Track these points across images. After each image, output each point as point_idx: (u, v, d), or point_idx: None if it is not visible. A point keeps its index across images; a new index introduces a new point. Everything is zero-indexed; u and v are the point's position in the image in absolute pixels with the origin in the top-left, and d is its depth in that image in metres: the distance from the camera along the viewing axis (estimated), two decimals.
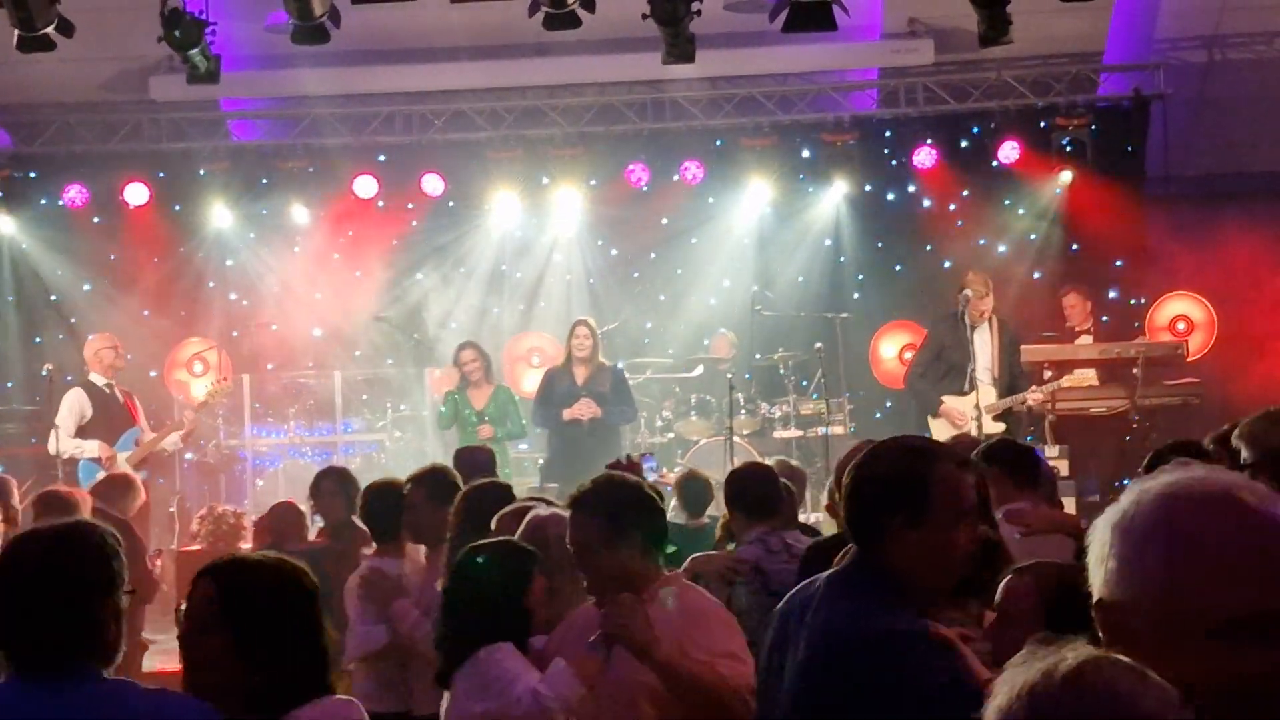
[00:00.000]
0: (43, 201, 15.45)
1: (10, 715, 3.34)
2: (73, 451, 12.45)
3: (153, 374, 14.95)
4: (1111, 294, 14.87)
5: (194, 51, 10.77)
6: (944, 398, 12.59)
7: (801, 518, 8.37)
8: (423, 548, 6.78)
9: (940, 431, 12.00)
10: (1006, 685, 1.82)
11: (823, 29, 10.30)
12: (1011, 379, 12.55)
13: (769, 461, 8.37)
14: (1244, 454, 4.72)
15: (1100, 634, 2.03)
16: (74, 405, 12.71)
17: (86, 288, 15.48)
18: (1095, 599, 2.06)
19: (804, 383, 14.14)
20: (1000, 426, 12.12)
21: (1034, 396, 12.37)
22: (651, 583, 4.53)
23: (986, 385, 12.37)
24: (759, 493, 6.75)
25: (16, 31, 10.39)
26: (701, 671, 4.32)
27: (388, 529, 6.85)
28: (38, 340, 15.48)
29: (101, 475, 10.95)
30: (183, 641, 3.56)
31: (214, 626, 3.44)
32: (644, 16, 10.51)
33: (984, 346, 12.54)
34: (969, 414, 12.12)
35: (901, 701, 3.31)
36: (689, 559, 6.67)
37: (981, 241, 15.28)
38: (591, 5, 10.33)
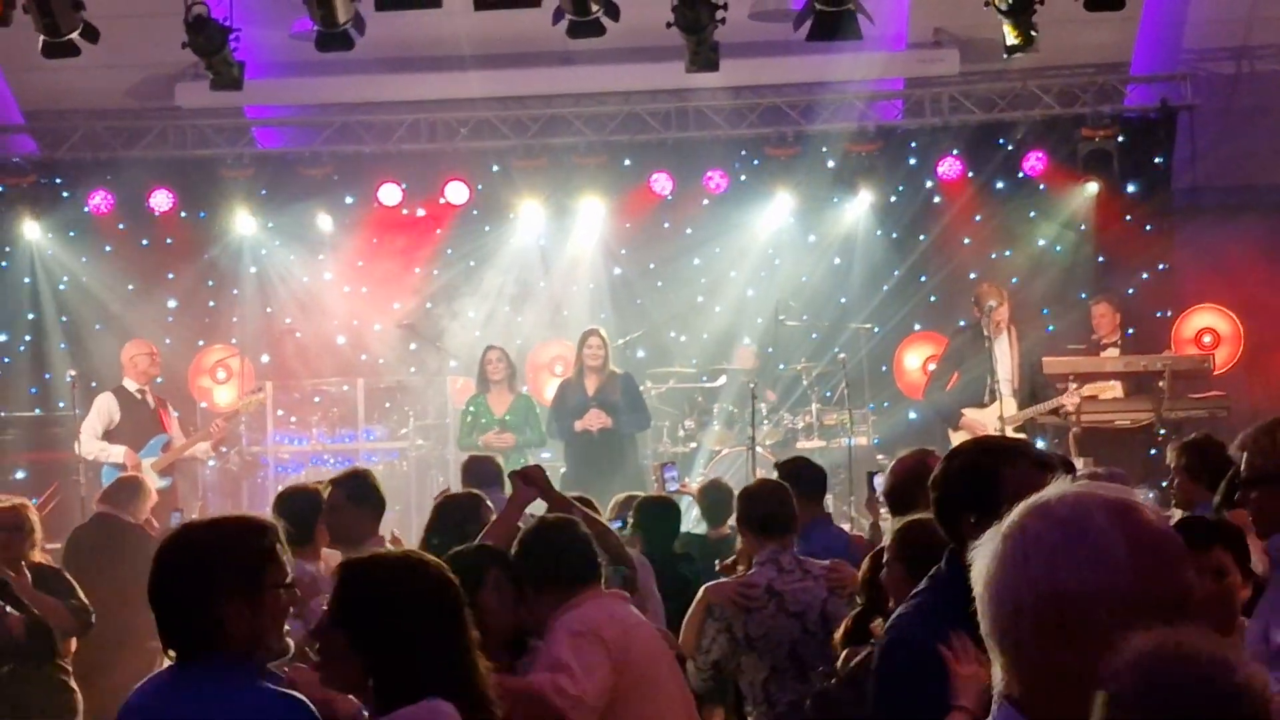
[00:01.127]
0: (69, 208, 15.48)
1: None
2: (97, 454, 12.52)
3: (176, 380, 14.95)
4: (1137, 306, 14.79)
5: (217, 57, 10.78)
6: (965, 410, 12.54)
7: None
8: (338, 553, 6.63)
9: None
10: None
11: (848, 38, 10.30)
12: (1032, 389, 12.49)
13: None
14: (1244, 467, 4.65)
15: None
16: (102, 409, 12.78)
17: (112, 294, 15.52)
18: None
19: (827, 393, 14.11)
20: (1021, 438, 12.08)
21: (1070, 400, 12.24)
22: None
23: (1007, 397, 12.31)
24: (769, 511, 6.66)
25: (42, 38, 10.43)
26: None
27: (303, 531, 6.67)
28: (63, 346, 15.52)
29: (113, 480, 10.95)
30: (313, 635, 3.78)
31: (334, 622, 3.61)
32: (668, 25, 10.49)
33: (1004, 357, 12.49)
34: (991, 426, 12.07)
35: None
36: (702, 589, 6.63)
37: (1007, 253, 15.24)
38: (616, 13, 10.33)
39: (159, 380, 13.47)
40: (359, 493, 6.72)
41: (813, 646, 6.28)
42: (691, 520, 11.85)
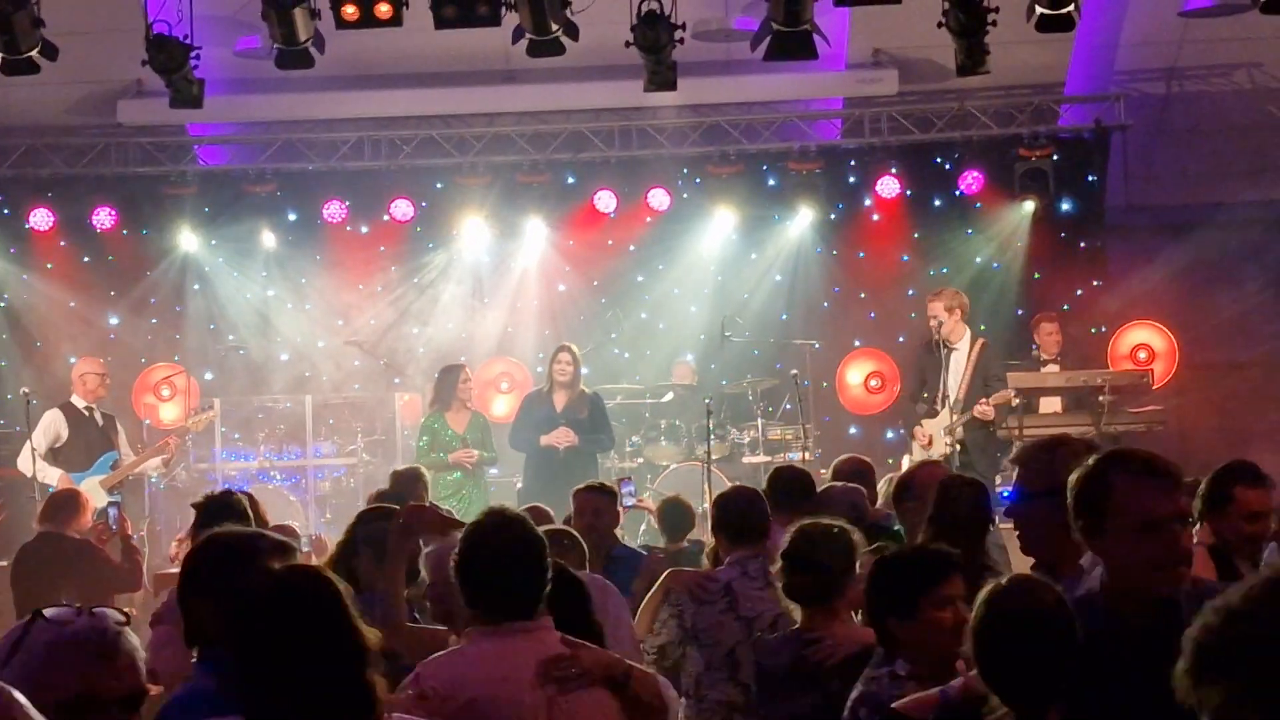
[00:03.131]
0: (9, 225, 15.38)
1: None
2: (35, 473, 12.45)
3: (120, 397, 14.88)
4: (1073, 323, 15.02)
5: (178, 75, 10.79)
6: (923, 421, 12.76)
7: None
8: None
9: (917, 455, 12.17)
10: None
11: (804, 58, 10.45)
12: (981, 396, 12.58)
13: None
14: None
15: None
16: (48, 426, 12.72)
17: (53, 311, 15.44)
18: None
19: (770, 408, 14.27)
20: (949, 448, 12.26)
21: (979, 409, 12.43)
22: None
23: (948, 407, 12.48)
24: (741, 517, 6.76)
25: (1, 55, 10.41)
26: None
27: None
28: (2, 363, 15.43)
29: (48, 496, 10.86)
30: None
31: None
32: (627, 44, 10.62)
33: (956, 368, 12.64)
34: (939, 436, 12.27)
35: None
36: (666, 573, 6.76)
37: (944, 270, 15.43)
38: (575, 33, 10.44)
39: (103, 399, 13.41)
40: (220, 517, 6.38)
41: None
42: (640, 535, 12.01)
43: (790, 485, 7.52)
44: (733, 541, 6.72)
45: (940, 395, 12.43)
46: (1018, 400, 12.40)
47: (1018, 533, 4.64)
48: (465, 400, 12.88)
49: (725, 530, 6.80)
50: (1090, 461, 3.75)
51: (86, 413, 12.87)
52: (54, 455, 12.62)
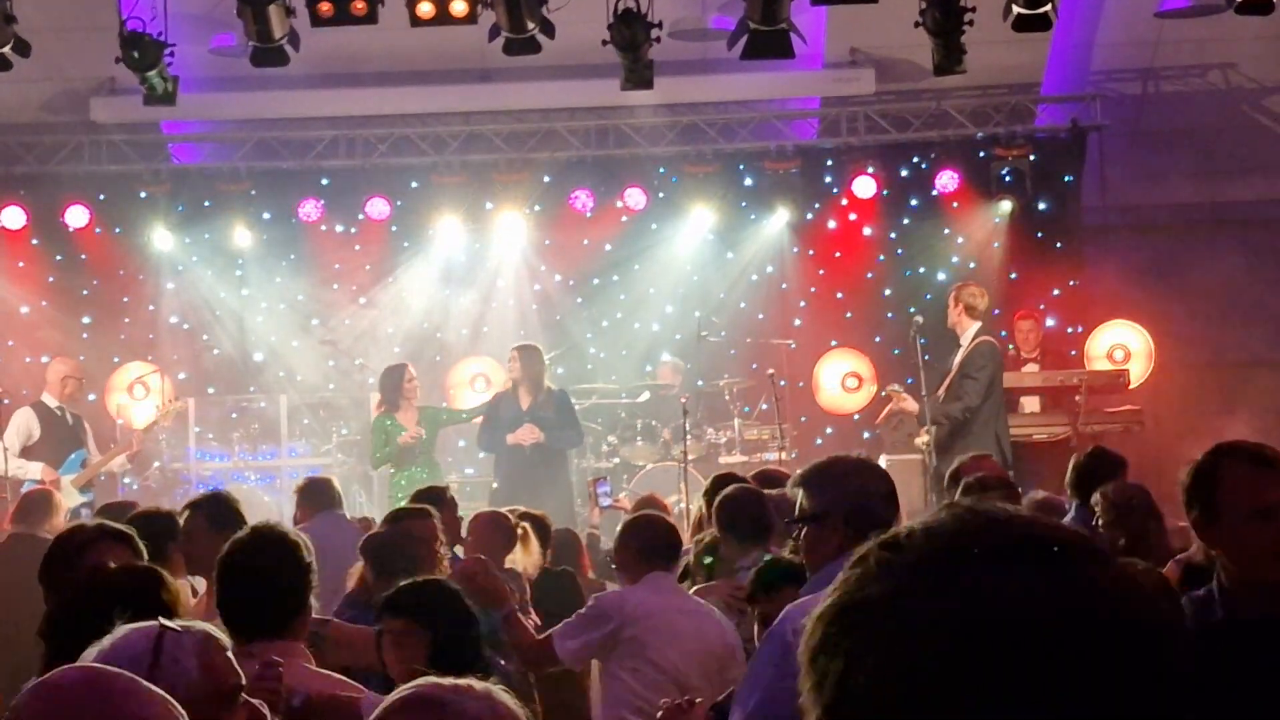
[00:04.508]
0: None
1: None
2: (15, 472, 12.34)
3: (92, 397, 14.78)
4: (1049, 322, 15.04)
5: (152, 73, 10.73)
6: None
7: None
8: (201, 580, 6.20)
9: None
10: None
11: (781, 56, 10.44)
12: (949, 397, 12.47)
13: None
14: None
15: None
16: (21, 425, 12.62)
17: (24, 310, 15.34)
18: None
19: (747, 409, 14.25)
20: (924, 440, 12.18)
21: (898, 400, 12.41)
22: None
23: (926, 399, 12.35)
24: (753, 516, 6.64)
25: None
26: None
27: (155, 559, 5.72)
28: None
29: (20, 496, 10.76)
30: None
31: None
32: (604, 43, 10.61)
33: (955, 364, 12.48)
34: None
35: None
36: (691, 590, 6.62)
37: (921, 270, 15.44)
38: (551, 31, 10.42)
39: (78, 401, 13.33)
40: (220, 519, 6.12)
41: None
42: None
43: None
44: (743, 542, 6.60)
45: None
46: (899, 403, 12.37)
47: (804, 554, 4.60)
48: (411, 399, 12.76)
49: (735, 531, 6.66)
50: (1200, 456, 3.85)
51: (59, 412, 12.79)
52: (26, 454, 12.54)
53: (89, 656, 2.68)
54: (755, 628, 5.28)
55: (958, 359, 12.30)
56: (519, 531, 7.69)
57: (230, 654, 2.77)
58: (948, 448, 11.91)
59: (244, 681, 2.78)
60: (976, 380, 12.07)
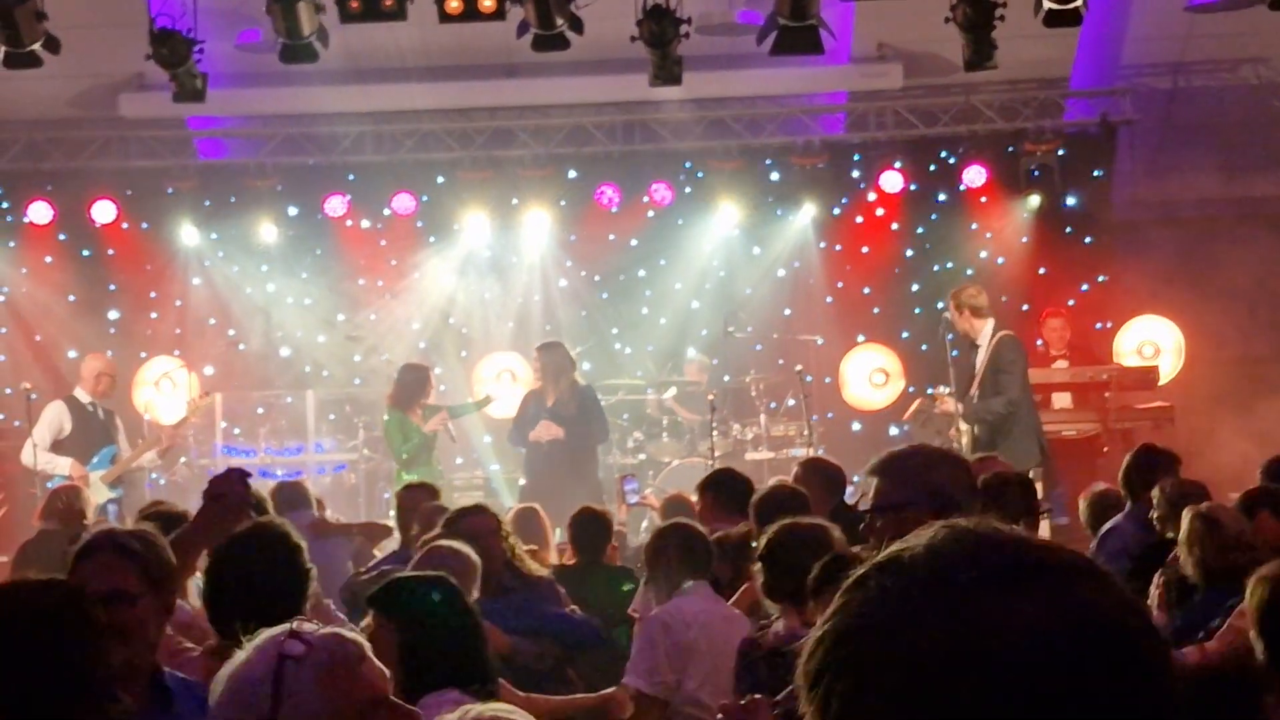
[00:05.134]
0: (8, 219, 15.35)
1: None
2: (44, 467, 12.37)
3: (119, 392, 14.82)
4: (1078, 318, 14.96)
5: (181, 69, 10.75)
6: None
7: None
8: None
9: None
10: None
11: (810, 52, 10.40)
12: (995, 392, 12.34)
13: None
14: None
15: None
16: (52, 420, 12.65)
17: (52, 306, 15.39)
18: None
19: (773, 404, 14.22)
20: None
21: (941, 403, 12.27)
22: None
23: (959, 399, 12.26)
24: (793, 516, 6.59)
25: (3, 49, 10.37)
26: None
27: None
28: (2, 359, 15.38)
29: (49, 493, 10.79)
30: None
31: None
32: (632, 39, 10.58)
33: (980, 362, 12.39)
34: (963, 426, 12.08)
35: None
36: (744, 588, 6.54)
37: (949, 265, 15.38)
38: (580, 27, 10.39)
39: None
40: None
41: None
42: (643, 533, 11.93)
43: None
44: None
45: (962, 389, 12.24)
46: (941, 406, 12.26)
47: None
48: (425, 402, 12.68)
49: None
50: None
51: (90, 408, 12.82)
52: (56, 449, 12.56)
53: (220, 677, 2.63)
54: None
55: (982, 357, 12.21)
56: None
57: (364, 663, 2.67)
58: (991, 445, 11.87)
59: (383, 693, 2.69)
60: (1011, 374, 11.97)
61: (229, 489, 4.79)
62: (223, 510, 4.73)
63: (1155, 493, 7.18)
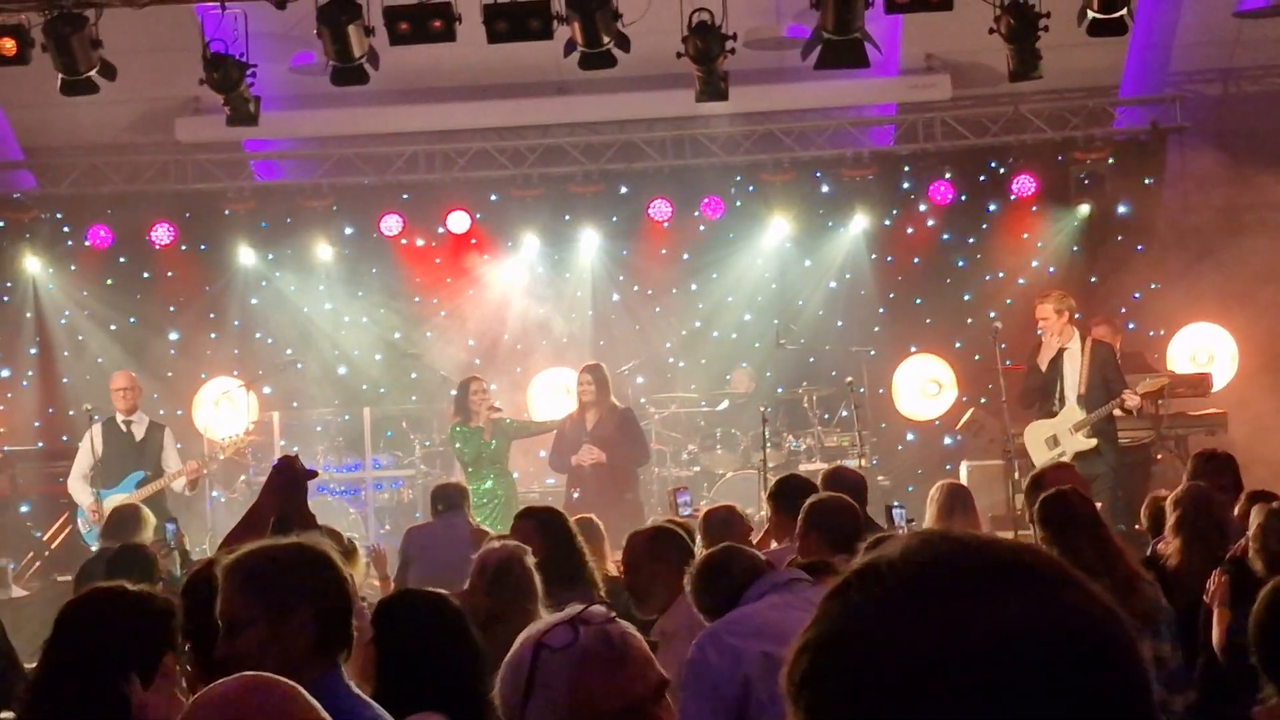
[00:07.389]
0: (69, 243, 15.61)
1: None
2: (74, 493, 12.63)
3: (179, 413, 15.03)
4: (1130, 326, 14.91)
5: (234, 93, 10.92)
6: (1034, 422, 12.42)
7: None
8: None
9: (1036, 455, 11.95)
10: None
11: (855, 66, 10.44)
12: (1107, 395, 12.28)
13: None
14: None
15: None
16: (86, 443, 12.78)
17: (113, 327, 15.61)
18: None
19: (826, 416, 14.25)
20: (1091, 443, 12.00)
21: (1130, 399, 12.14)
22: None
23: (1072, 404, 12.21)
24: (841, 523, 6.59)
25: (60, 75, 10.58)
26: None
27: None
28: (65, 380, 15.61)
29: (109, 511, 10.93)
30: None
31: None
32: (678, 55, 10.65)
33: (1072, 367, 12.32)
34: (1061, 433, 12.03)
35: None
36: None
37: (1000, 274, 15.38)
38: (626, 45, 10.48)
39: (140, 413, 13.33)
40: None
41: None
42: (695, 546, 11.95)
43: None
44: (833, 549, 6.39)
45: (1058, 396, 12.18)
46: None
47: None
48: (478, 411, 12.78)
49: (826, 536, 6.56)
50: None
51: (123, 427, 12.85)
52: (95, 470, 12.67)
53: (529, 634, 2.66)
54: None
55: (1080, 364, 12.12)
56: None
57: (624, 668, 2.62)
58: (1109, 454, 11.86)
59: (637, 701, 2.62)
60: (1123, 382, 11.97)
61: (296, 462, 5.18)
62: (288, 482, 5.04)
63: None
